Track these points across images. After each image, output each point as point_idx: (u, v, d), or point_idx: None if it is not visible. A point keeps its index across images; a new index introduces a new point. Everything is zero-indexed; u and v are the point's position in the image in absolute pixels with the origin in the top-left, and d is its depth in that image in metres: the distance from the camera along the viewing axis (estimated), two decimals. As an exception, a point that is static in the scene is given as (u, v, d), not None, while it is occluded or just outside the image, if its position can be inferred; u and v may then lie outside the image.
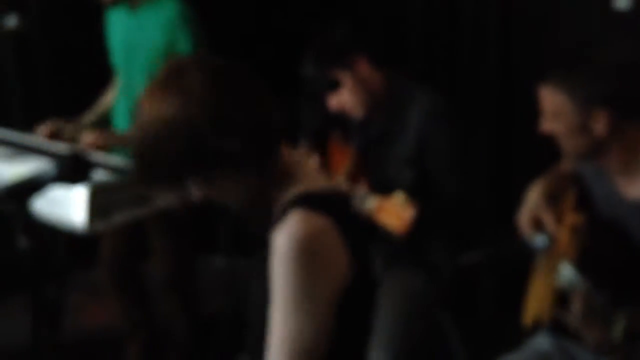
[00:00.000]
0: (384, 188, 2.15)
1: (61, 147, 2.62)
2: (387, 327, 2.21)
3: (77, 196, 2.12)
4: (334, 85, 2.25)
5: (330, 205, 1.33)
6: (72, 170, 1.31)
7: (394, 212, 2.00)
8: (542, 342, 1.90)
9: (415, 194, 2.06)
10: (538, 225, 1.87)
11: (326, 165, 2.53)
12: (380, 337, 2.19)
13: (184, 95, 1.25)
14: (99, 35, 2.81)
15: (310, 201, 1.32)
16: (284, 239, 1.28)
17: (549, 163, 2.05)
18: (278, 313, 1.28)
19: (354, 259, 1.32)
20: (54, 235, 2.05)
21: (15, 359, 2.82)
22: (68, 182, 1.32)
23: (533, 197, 1.92)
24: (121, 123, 2.75)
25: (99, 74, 2.92)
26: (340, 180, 2.36)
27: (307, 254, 1.26)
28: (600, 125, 1.69)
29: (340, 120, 2.55)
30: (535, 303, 1.87)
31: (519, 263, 2.00)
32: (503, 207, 2.13)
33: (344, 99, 2.28)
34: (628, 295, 1.43)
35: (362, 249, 1.37)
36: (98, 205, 2.15)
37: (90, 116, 2.86)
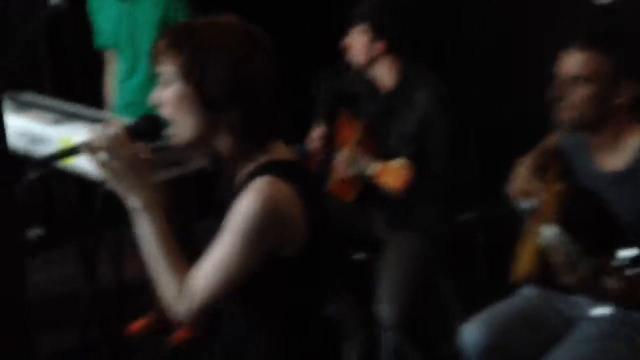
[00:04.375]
0: (386, 159, 2.38)
1: (101, 114, 2.84)
2: (392, 283, 2.44)
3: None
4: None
5: (293, 174, 1.41)
6: (148, 128, 1.45)
7: (393, 172, 2.25)
8: (527, 291, 2.17)
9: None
10: (527, 194, 2.13)
11: (336, 138, 2.79)
12: (387, 291, 2.42)
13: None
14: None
15: (276, 169, 1.40)
16: (250, 198, 1.36)
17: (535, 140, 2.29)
18: (221, 247, 1.39)
19: (310, 224, 1.40)
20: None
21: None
22: (145, 140, 1.46)
23: (522, 172, 2.17)
24: (122, 108, 2.87)
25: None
26: (349, 150, 2.61)
27: (267, 212, 1.35)
28: (624, 95, 1.85)
29: (349, 97, 2.81)
30: (523, 262, 2.11)
31: (509, 224, 2.25)
32: (494, 176, 2.34)
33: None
34: (597, 246, 1.70)
35: (318, 215, 1.44)
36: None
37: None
